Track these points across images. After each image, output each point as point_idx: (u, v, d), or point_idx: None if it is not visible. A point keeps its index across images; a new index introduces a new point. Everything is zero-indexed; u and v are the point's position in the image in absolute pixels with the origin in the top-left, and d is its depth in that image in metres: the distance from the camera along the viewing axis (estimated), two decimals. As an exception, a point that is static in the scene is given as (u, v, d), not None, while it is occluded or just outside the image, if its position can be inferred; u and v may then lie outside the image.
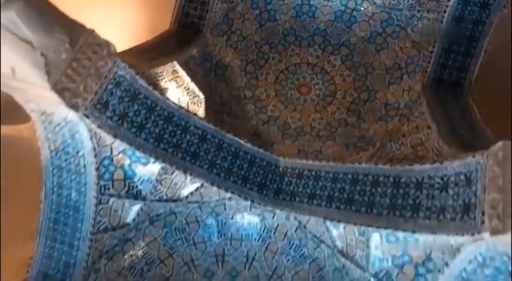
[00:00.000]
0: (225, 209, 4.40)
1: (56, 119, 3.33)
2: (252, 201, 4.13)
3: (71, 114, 3.17)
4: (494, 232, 2.49)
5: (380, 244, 3.48)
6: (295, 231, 4.32)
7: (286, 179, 4.23)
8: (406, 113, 4.98)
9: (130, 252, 4.29)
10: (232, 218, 4.46)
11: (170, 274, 4.46)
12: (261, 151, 4.27)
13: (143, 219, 4.18)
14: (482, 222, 2.62)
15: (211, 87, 5.31)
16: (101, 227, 3.93)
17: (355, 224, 3.58)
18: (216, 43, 5.58)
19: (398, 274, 3.41)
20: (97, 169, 3.61)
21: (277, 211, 4.26)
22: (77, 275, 3.95)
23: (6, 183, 5.03)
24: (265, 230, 4.47)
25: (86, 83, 3.05)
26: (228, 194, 4.10)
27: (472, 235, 2.67)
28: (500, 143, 2.72)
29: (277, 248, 4.47)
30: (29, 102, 3.15)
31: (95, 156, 3.52)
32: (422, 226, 3.11)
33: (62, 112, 3.16)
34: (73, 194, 3.78)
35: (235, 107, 5.50)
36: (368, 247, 3.56)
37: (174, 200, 4.13)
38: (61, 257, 3.94)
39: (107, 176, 3.75)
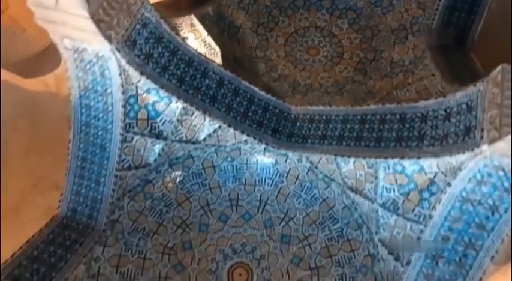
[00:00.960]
0: (240, 154, 4.63)
1: (87, 56, 3.57)
2: (266, 144, 4.34)
3: (103, 50, 3.42)
4: (492, 141, 2.68)
5: (387, 175, 3.73)
6: (307, 173, 4.56)
7: (298, 124, 4.46)
8: (411, 69, 5.22)
9: (151, 193, 4.54)
10: (246, 163, 4.71)
11: (187, 216, 4.68)
12: (274, 99, 4.49)
13: (163, 161, 4.42)
14: (481, 138, 2.81)
15: (225, 45, 5.55)
16: (125, 165, 4.14)
17: (364, 157, 3.82)
18: (228, 5, 5.81)
19: (404, 201, 3.66)
20: (124, 106, 3.83)
21: (290, 155, 4.49)
22: (103, 211, 4.18)
23: (33, 134, 5.28)
24: (278, 175, 4.71)
25: (119, 18, 3.31)
26: (244, 138, 4.32)
27: (472, 150, 2.89)
28: (499, 67, 2.90)
29: (289, 192, 4.70)
30: (64, 38, 3.40)
31: (122, 93, 3.74)
32: (427, 152, 3.35)
33: (95, 47, 3.41)
34: (100, 132, 4.00)
35: (247, 65, 5.74)
36: (376, 178, 3.79)
37: (193, 142, 4.35)
38: (88, 193, 4.16)
39: (132, 114, 3.97)
